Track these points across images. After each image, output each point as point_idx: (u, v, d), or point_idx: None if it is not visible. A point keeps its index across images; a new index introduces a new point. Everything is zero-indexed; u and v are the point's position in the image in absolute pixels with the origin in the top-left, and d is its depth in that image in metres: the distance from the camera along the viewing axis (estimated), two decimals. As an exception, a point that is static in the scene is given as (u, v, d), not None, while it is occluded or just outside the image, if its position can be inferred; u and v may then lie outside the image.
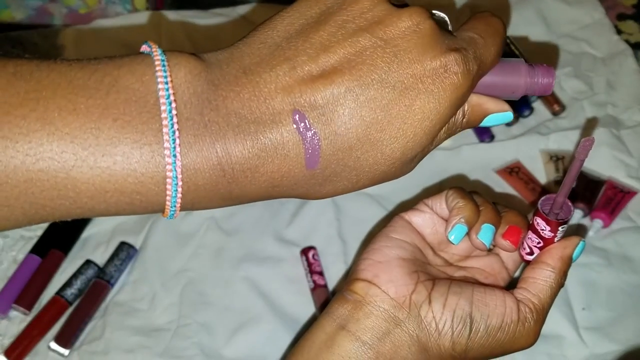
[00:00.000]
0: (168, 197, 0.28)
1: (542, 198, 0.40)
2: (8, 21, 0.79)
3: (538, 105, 0.73)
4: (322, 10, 0.30)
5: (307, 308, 0.61)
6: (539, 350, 0.57)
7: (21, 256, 0.65)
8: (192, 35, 0.80)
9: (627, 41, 0.78)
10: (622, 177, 0.67)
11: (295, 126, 0.28)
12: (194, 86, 0.28)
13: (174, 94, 0.27)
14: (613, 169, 0.68)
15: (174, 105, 0.27)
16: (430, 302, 0.38)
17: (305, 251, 0.63)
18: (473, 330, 0.38)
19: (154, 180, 0.27)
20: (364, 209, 0.67)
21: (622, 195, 0.65)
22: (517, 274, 0.45)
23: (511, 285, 0.43)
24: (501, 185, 0.68)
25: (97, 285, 0.62)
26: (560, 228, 0.39)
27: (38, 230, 0.67)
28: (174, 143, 0.27)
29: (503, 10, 0.81)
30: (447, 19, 0.33)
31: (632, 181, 0.67)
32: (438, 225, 0.43)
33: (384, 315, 0.38)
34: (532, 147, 0.70)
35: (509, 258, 0.45)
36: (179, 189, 0.27)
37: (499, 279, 0.44)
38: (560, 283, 0.40)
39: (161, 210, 0.29)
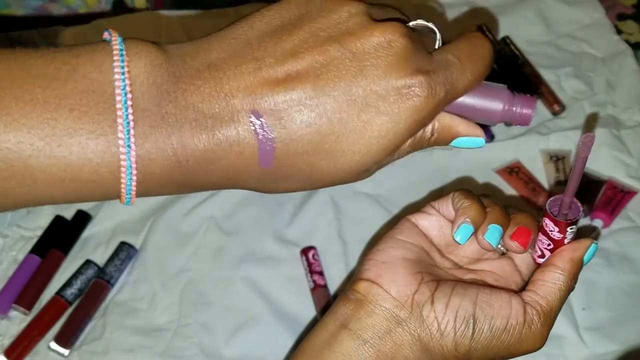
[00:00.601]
0: (123, 186, 0.28)
1: (550, 199, 0.39)
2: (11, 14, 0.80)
3: (538, 105, 0.74)
4: (301, 14, 0.30)
5: (307, 308, 0.61)
6: (539, 351, 0.57)
7: (21, 256, 0.65)
8: (192, 35, 0.80)
9: (627, 41, 0.78)
10: (622, 177, 0.67)
11: (252, 126, 0.28)
12: (154, 77, 0.28)
13: (130, 84, 0.28)
14: (613, 169, 0.68)
15: (129, 96, 0.27)
16: (432, 302, 0.38)
17: (305, 251, 0.63)
18: (476, 331, 0.38)
19: (109, 169, 0.28)
20: (363, 209, 0.67)
21: (622, 195, 0.65)
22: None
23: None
24: (501, 185, 0.68)
25: (97, 285, 0.62)
26: (569, 229, 0.39)
27: (38, 230, 0.67)
28: (128, 134, 0.27)
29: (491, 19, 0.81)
30: (435, 29, 0.32)
31: (632, 181, 0.67)
32: (445, 227, 0.42)
33: (386, 314, 0.38)
34: (532, 147, 0.70)
35: (522, 262, 0.43)
36: (134, 178, 0.28)
37: (511, 282, 0.43)
38: (570, 286, 0.40)
39: (118, 197, 0.29)
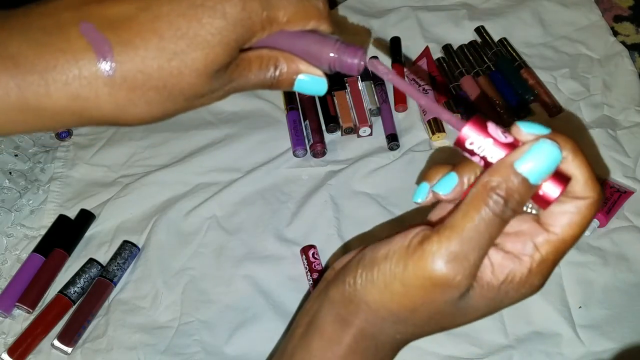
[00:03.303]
0: None
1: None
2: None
3: (535, 106, 0.74)
4: None
5: (307, 306, 0.61)
6: (536, 349, 0.58)
7: (25, 255, 0.66)
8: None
9: (623, 43, 0.79)
10: (618, 177, 0.68)
11: (83, 32, 0.29)
12: None
13: None
14: (609, 169, 0.68)
15: None
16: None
17: (305, 250, 0.64)
18: (360, 263, 0.35)
19: None
20: (363, 209, 0.67)
21: (618, 195, 0.66)
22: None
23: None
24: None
25: (100, 283, 0.63)
26: (467, 143, 0.32)
27: (42, 230, 0.67)
28: None
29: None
30: None
31: (629, 181, 0.68)
32: None
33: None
34: (530, 148, 0.70)
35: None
36: None
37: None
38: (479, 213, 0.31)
39: None
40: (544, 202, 0.31)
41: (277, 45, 0.34)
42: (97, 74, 0.29)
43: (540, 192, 0.31)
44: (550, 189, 0.31)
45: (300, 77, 0.35)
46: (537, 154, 0.30)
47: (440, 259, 0.31)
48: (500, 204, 0.30)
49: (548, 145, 0.30)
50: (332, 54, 0.34)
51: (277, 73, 0.34)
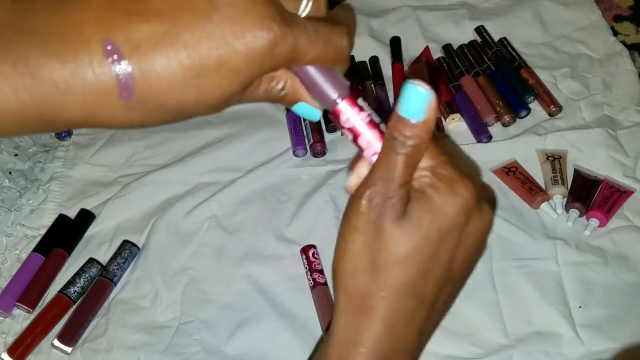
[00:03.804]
0: None
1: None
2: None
3: (535, 105, 0.74)
4: None
5: (307, 306, 0.61)
6: (536, 348, 0.58)
7: (24, 255, 0.66)
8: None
9: (623, 42, 0.79)
10: (618, 177, 0.68)
11: (105, 55, 0.28)
12: None
13: None
14: (609, 169, 0.68)
15: None
16: None
17: (305, 249, 0.64)
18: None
19: None
20: (363, 208, 0.67)
21: (618, 195, 0.66)
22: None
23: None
24: (498, 185, 0.68)
25: (100, 283, 0.63)
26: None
27: (42, 229, 0.67)
28: None
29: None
30: None
31: (629, 181, 0.68)
32: None
33: None
34: (529, 147, 0.71)
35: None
36: None
37: None
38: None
39: None
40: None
41: (290, 68, 0.35)
42: (116, 97, 0.29)
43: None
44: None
45: (301, 103, 0.36)
46: (406, 97, 0.35)
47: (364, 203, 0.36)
48: (397, 143, 0.35)
49: (412, 86, 0.35)
50: (336, 99, 0.35)
51: (283, 93, 0.35)
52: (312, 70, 0.34)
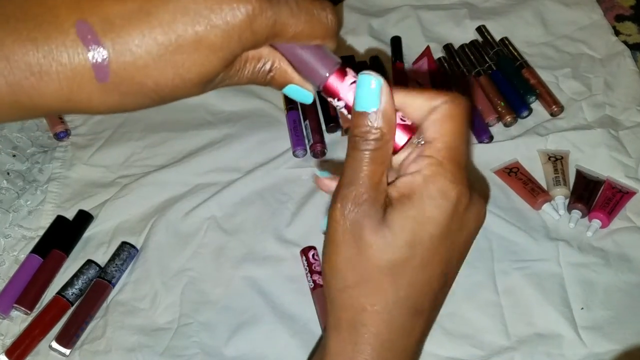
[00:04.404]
0: None
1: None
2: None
3: (536, 106, 0.74)
4: None
5: (307, 307, 0.61)
6: (538, 350, 0.57)
7: (22, 256, 0.65)
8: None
9: (625, 42, 0.79)
10: (620, 177, 0.68)
11: (79, 35, 0.28)
12: None
13: None
14: (611, 169, 0.68)
15: None
16: None
17: (305, 251, 0.64)
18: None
19: None
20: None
21: (620, 195, 0.65)
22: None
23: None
24: (500, 186, 0.68)
25: (98, 285, 0.62)
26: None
27: (40, 231, 0.67)
28: None
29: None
30: None
31: (631, 181, 0.67)
32: None
33: None
34: (531, 148, 0.70)
35: None
36: None
37: None
38: None
39: None
40: (395, 150, 0.36)
41: (277, 47, 0.34)
42: (91, 80, 0.29)
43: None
44: (399, 138, 0.35)
45: (291, 85, 0.35)
46: (358, 90, 0.34)
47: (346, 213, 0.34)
48: (359, 140, 0.34)
49: (363, 77, 0.34)
50: (327, 75, 0.34)
51: (271, 75, 0.34)
52: (298, 48, 0.33)
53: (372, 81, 0.33)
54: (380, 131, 0.34)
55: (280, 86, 0.35)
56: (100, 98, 0.30)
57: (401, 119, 0.36)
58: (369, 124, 0.34)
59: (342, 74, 0.35)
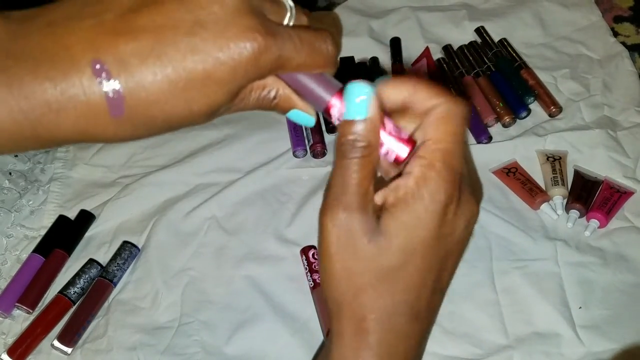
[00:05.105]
0: None
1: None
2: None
3: (535, 106, 0.74)
4: None
5: (307, 307, 0.61)
6: (536, 349, 0.58)
7: (24, 256, 0.66)
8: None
9: (623, 43, 0.79)
10: (618, 178, 0.68)
11: (95, 75, 0.29)
12: None
13: None
14: (609, 170, 0.68)
15: None
16: None
17: (305, 250, 0.64)
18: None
19: None
20: (363, 209, 0.67)
21: (618, 196, 0.66)
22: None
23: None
24: (498, 186, 0.68)
25: (100, 284, 0.63)
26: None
27: (42, 230, 0.68)
28: None
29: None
30: (290, 6, 0.34)
31: (629, 181, 0.68)
32: None
33: None
34: (529, 148, 0.71)
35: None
36: None
37: None
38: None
39: None
40: (397, 162, 0.36)
41: (280, 76, 0.35)
42: (106, 114, 0.30)
43: (393, 155, 0.36)
44: (401, 150, 0.36)
45: (295, 110, 0.36)
46: (347, 99, 0.35)
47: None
48: (347, 148, 0.35)
49: (352, 87, 0.35)
50: (329, 100, 0.35)
51: (275, 102, 0.35)
52: (301, 76, 0.35)
53: (359, 90, 0.35)
54: (367, 139, 0.35)
55: (284, 111, 0.36)
56: (114, 130, 0.31)
57: (396, 130, 0.36)
58: (357, 132, 0.35)
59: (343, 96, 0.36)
